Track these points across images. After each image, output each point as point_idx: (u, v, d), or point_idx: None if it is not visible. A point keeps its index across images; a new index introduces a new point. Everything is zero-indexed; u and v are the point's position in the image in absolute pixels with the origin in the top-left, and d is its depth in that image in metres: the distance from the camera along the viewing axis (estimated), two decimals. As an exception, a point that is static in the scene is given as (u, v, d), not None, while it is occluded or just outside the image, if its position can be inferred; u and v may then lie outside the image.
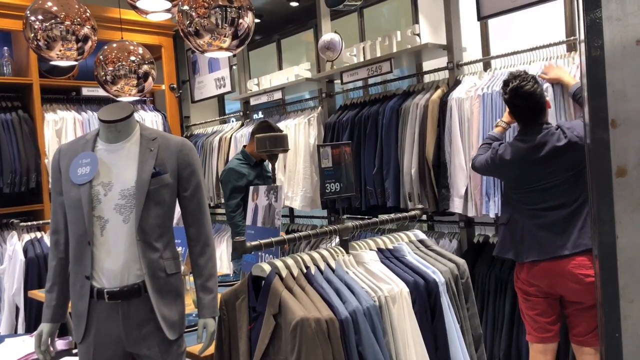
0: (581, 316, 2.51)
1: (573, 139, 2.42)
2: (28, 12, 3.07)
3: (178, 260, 1.95)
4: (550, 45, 3.02)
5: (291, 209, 5.03)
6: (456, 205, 3.24)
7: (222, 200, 4.89)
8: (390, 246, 1.84)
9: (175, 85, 5.38)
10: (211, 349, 1.86)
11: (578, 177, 2.47)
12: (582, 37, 1.02)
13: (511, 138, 2.77)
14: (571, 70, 2.86)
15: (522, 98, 2.49)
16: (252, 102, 4.88)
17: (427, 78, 3.78)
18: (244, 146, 3.75)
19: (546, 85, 2.83)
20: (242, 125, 5.09)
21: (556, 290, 2.53)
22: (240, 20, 2.50)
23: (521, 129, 2.58)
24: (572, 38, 3.06)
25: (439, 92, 3.40)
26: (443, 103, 3.30)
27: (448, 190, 3.25)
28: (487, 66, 3.49)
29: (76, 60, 3.24)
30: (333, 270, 1.66)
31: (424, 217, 3.81)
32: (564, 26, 3.41)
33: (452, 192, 3.24)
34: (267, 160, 3.57)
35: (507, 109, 2.70)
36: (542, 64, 3.02)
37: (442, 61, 3.58)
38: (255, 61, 5.62)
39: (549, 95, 2.80)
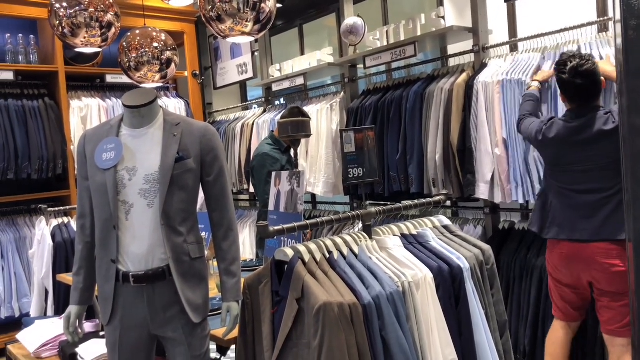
0: (611, 305, 2.48)
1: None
2: (53, 0, 3.11)
3: (202, 244, 1.96)
4: (580, 26, 2.95)
5: (313, 196, 5.03)
6: (482, 191, 3.20)
7: (245, 187, 4.93)
8: (414, 232, 1.82)
9: (197, 72, 5.41)
10: (234, 333, 1.85)
11: (617, 165, 2.38)
12: (618, 17, 0.99)
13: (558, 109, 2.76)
14: (602, 51, 2.79)
15: (584, 77, 2.44)
16: (274, 88, 4.88)
17: (452, 62, 3.73)
18: (272, 131, 3.71)
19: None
20: (264, 111, 5.10)
21: (581, 279, 2.53)
22: (262, 5, 2.48)
23: (572, 109, 2.53)
24: (604, 18, 2.97)
25: (464, 76, 3.36)
26: (469, 87, 3.26)
27: (474, 176, 3.22)
28: (513, 49, 3.43)
29: (100, 47, 3.27)
30: (356, 256, 1.64)
31: (448, 203, 3.79)
32: (595, 7, 3.32)
33: (478, 178, 3.20)
34: (299, 145, 3.57)
35: (560, 92, 2.60)
36: (571, 46, 2.95)
37: (468, 44, 3.53)
38: (277, 47, 5.61)
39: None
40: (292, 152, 3.67)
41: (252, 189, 4.84)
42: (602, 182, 2.44)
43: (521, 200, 3.05)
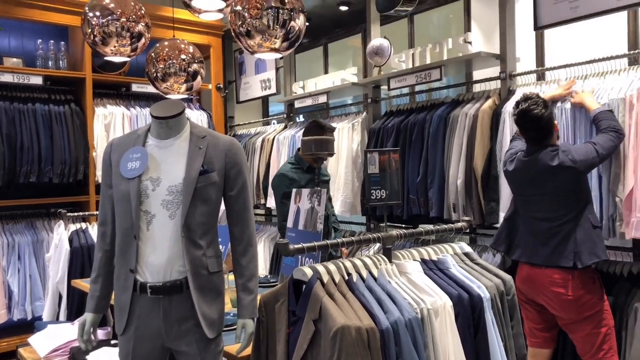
0: (573, 333, 2.61)
1: (565, 162, 2.54)
2: (87, 8, 3.18)
3: (220, 258, 1.97)
4: (610, 58, 2.93)
5: (331, 214, 5.04)
6: (502, 220, 3.18)
7: (262, 201, 4.94)
8: (434, 257, 1.82)
9: (221, 85, 5.47)
10: (248, 350, 1.86)
11: (566, 197, 2.58)
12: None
13: None
14: (632, 82, 2.77)
15: (529, 121, 2.60)
16: (296, 105, 4.93)
17: (477, 87, 3.75)
18: (298, 149, 3.60)
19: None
20: (285, 127, 5.15)
21: (536, 299, 2.68)
22: (292, 23, 2.51)
23: (527, 147, 2.70)
24: (635, 52, 2.95)
25: (489, 102, 3.37)
26: (497, 114, 3.28)
27: (497, 204, 3.23)
28: (540, 77, 3.43)
29: (129, 56, 3.33)
30: (375, 279, 1.65)
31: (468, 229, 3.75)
32: (626, 39, 3.30)
33: (502, 206, 3.20)
34: (322, 163, 3.51)
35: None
36: (598, 79, 2.94)
37: (493, 70, 3.57)
38: (301, 64, 5.65)
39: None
40: (326, 169, 3.60)
41: (269, 204, 4.88)
42: (552, 212, 2.61)
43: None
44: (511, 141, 2.98)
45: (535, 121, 2.58)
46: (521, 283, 2.70)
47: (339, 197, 4.23)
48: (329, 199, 3.58)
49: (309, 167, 3.44)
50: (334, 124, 4.44)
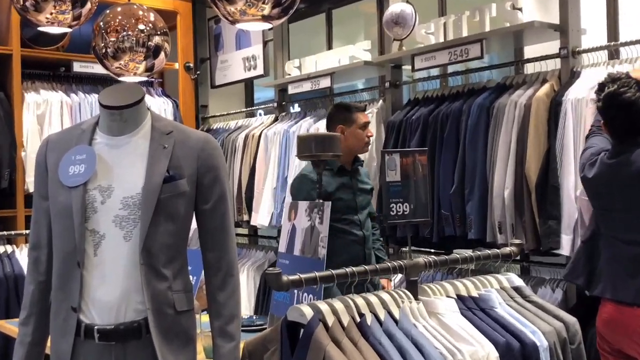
0: None
1: None
2: (14, -37, 3.21)
3: (191, 293, 1.96)
4: None
5: (334, 235, 5.04)
6: (565, 245, 3.19)
7: (245, 218, 4.94)
8: (474, 293, 1.83)
9: (191, 65, 5.51)
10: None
11: None
12: None
13: None
14: None
15: (619, 108, 2.56)
16: (291, 90, 4.86)
17: (530, 68, 3.74)
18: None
19: None
20: (275, 119, 5.09)
21: (625, 349, 2.62)
22: (286, -19, 2.54)
23: (614, 145, 2.67)
24: None
25: (546, 88, 3.36)
26: (556, 104, 3.27)
27: (558, 224, 3.20)
28: (613, 55, 3.44)
29: (70, 26, 3.35)
30: (396, 322, 1.64)
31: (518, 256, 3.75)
32: None
33: (563, 226, 3.20)
34: (361, 164, 3.48)
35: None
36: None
37: (552, 46, 3.55)
38: (296, 37, 5.57)
39: None
40: (364, 172, 3.53)
41: (255, 221, 4.88)
42: None
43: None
44: (587, 137, 2.93)
45: (627, 107, 2.53)
46: (604, 327, 2.66)
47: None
48: (372, 216, 3.53)
49: (340, 168, 3.38)
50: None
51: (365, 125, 3.47)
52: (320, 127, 4.43)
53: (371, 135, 3.54)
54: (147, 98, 5.19)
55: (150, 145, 1.92)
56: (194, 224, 2.00)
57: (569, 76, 3.35)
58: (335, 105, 3.51)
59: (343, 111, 3.41)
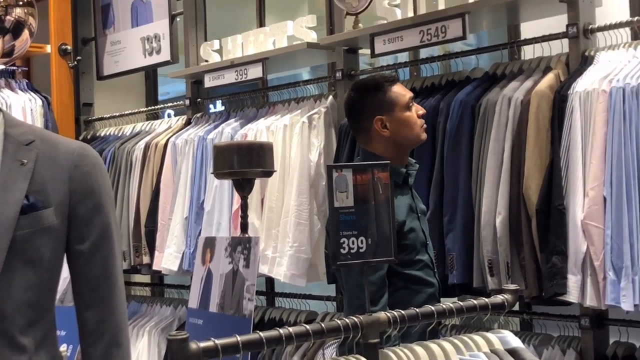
0: None
1: None
2: None
3: (60, 370, 1.91)
4: None
5: (271, 281, 4.96)
6: (572, 287, 3.18)
7: (146, 260, 4.88)
8: (454, 359, 1.84)
9: (69, 48, 5.39)
10: None
11: None
12: None
13: None
14: None
15: None
16: (208, 82, 4.81)
17: (529, 52, 3.75)
18: (363, 148, 3.27)
19: None
20: (187, 123, 5.01)
21: None
22: None
23: None
24: None
25: (550, 79, 3.34)
26: (562, 100, 3.26)
27: (565, 260, 3.20)
28: (636, 36, 3.47)
29: None
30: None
31: (516, 305, 3.75)
32: None
33: (570, 264, 3.19)
34: (416, 169, 3.11)
35: None
36: None
37: (557, 23, 3.55)
38: (216, 10, 5.58)
39: None
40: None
41: (156, 265, 4.78)
42: None
43: (625, 306, 3.08)
44: None
45: None
46: None
47: (286, 250, 4.15)
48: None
49: (405, 181, 2.97)
50: (275, 117, 4.42)
51: (410, 100, 3.07)
52: (249, 133, 4.39)
53: (424, 113, 3.14)
54: (7, 93, 5.15)
55: (2, 161, 1.89)
56: (65, 272, 1.95)
57: (579, 62, 3.35)
58: (354, 87, 3.04)
59: (372, 93, 2.97)
